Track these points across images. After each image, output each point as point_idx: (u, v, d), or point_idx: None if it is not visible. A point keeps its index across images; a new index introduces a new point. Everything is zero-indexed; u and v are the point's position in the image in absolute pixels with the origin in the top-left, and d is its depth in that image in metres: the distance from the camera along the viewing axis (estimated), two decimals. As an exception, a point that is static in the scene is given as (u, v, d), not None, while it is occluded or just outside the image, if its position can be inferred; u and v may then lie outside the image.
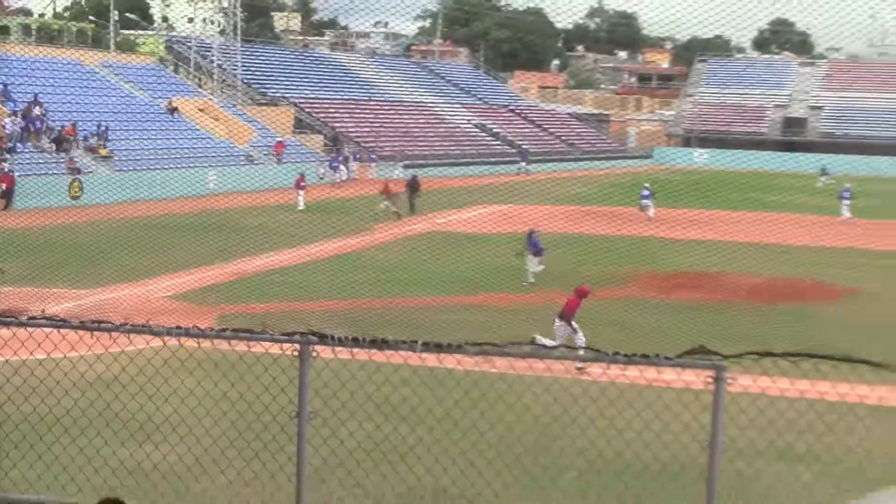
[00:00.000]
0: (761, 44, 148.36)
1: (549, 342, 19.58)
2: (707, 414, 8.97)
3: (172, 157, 57.85)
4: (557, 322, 21.00)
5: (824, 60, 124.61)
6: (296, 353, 7.50)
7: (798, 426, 11.04)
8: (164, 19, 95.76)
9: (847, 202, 49.75)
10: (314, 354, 7.56)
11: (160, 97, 66.70)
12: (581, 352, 11.66)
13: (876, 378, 9.69)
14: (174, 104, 65.60)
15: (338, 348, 7.53)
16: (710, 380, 8.74)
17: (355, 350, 7.62)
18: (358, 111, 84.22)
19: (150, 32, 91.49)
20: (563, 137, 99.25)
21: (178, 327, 7.61)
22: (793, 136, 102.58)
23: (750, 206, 50.29)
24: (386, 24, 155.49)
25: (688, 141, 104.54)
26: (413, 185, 49.64)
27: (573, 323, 20.74)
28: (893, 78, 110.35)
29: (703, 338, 9.95)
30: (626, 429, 11.14)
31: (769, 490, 12.31)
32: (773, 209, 47.62)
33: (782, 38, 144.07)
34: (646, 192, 48.13)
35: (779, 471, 12.62)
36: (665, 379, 9.94)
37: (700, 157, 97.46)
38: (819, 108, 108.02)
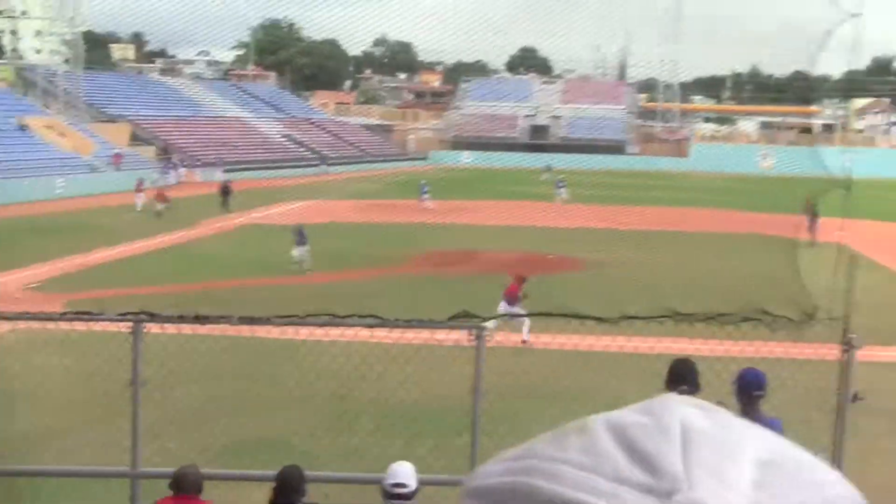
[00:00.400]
0: (512, 66, 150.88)
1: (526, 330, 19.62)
2: (472, 365, 9.08)
3: (24, 167, 55.51)
4: (503, 305, 20.59)
5: (562, 79, 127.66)
6: (129, 331, 7.31)
7: (544, 372, 11.30)
8: (14, 50, 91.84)
9: (562, 191, 52.24)
10: (145, 330, 7.36)
11: (11, 116, 64.14)
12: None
13: (600, 329, 9.99)
14: (25, 122, 63.02)
15: (166, 325, 7.37)
16: (472, 337, 8.84)
17: (181, 326, 7.46)
18: (184, 126, 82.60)
19: (2, 62, 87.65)
20: (356, 144, 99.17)
21: (27, 312, 7.34)
22: (538, 140, 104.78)
23: (505, 195, 51.17)
24: (208, 53, 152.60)
25: (456, 145, 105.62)
26: (225, 189, 48.58)
27: (517, 305, 20.49)
28: (611, 93, 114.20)
29: (468, 304, 10.05)
30: (407, 381, 11.19)
31: (522, 423, 12.55)
32: (523, 198, 48.64)
33: (529, 61, 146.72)
34: (425, 188, 48.62)
35: (530, 408, 12.87)
36: (438, 338, 10.02)
37: (467, 159, 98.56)
38: (559, 117, 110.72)
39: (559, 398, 12.80)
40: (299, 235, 29.45)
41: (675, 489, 0.79)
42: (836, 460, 9.60)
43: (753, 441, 0.86)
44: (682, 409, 0.89)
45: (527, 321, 20.20)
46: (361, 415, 12.52)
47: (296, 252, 29.06)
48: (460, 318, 8.98)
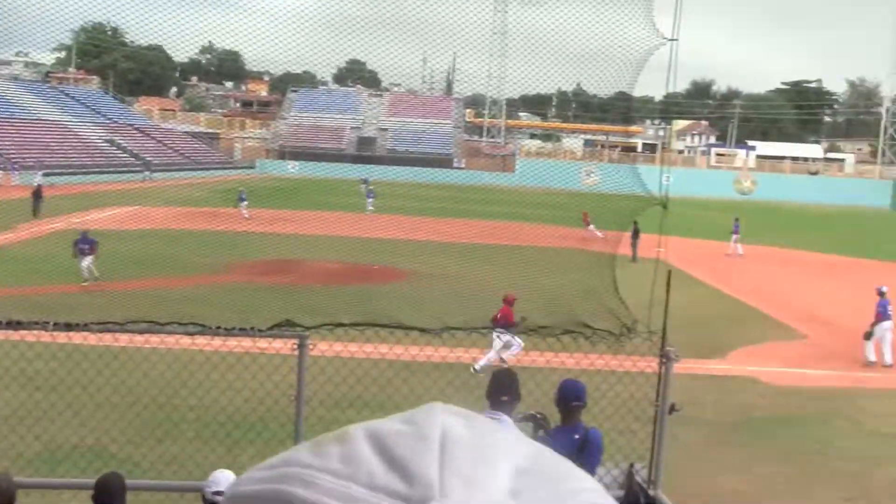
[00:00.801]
0: (340, 78, 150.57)
1: (484, 360, 19.33)
2: (294, 373, 9.01)
3: None
4: (497, 332, 20.35)
5: (389, 93, 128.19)
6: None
7: (366, 381, 11.29)
8: None
9: (370, 201, 52.98)
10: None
11: None
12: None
13: (423, 339, 10.06)
14: None
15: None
16: (295, 346, 8.78)
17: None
18: (1, 128, 79.43)
19: None
20: (181, 151, 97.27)
21: None
22: (365, 152, 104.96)
23: (330, 206, 51.03)
24: (26, 54, 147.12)
25: (283, 154, 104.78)
26: (37, 193, 46.93)
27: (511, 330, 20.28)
28: (438, 107, 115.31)
29: (290, 313, 9.99)
30: (229, 388, 11.03)
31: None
32: (349, 209, 48.61)
33: (356, 74, 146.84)
34: (243, 196, 48.24)
35: (350, 415, 12.86)
36: (260, 347, 9.92)
37: (293, 168, 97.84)
38: (385, 129, 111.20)
39: (382, 407, 12.82)
40: (84, 245, 28.46)
41: (428, 497, 0.80)
42: (654, 469, 9.92)
43: (512, 449, 0.88)
44: (444, 417, 0.91)
45: (517, 347, 20.51)
46: (182, 422, 12.27)
47: (84, 263, 28.21)
48: (283, 327, 8.92)
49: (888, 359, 24.26)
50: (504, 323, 20.90)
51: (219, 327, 8.88)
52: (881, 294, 25.11)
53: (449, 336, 10.15)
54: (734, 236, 48.10)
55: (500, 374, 8.32)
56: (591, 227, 40.47)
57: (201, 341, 9.07)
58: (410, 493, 0.80)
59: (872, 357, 24.31)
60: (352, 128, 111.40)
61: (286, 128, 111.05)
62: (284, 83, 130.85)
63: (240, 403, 11.09)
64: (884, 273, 41.86)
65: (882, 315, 24.51)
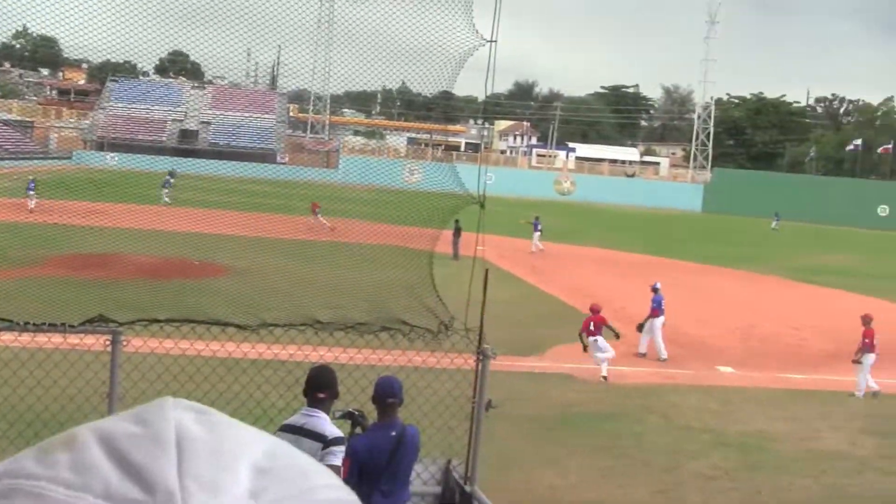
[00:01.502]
0: (162, 69, 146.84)
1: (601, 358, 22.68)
2: (107, 370, 8.78)
3: None
4: (592, 339, 23.05)
5: (212, 85, 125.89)
6: None
7: (181, 377, 11.07)
8: None
9: (165, 192, 51.39)
10: None
11: None
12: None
13: (240, 336, 9.95)
14: None
15: None
16: (108, 342, 8.56)
17: None
18: None
19: None
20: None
21: None
22: (187, 145, 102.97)
23: (150, 200, 49.67)
24: None
25: (101, 146, 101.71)
26: None
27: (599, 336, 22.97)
28: (262, 102, 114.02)
29: (104, 308, 9.72)
30: (37, 386, 10.64)
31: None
32: (167, 203, 47.43)
33: (179, 66, 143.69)
34: (31, 185, 46.51)
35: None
36: (71, 343, 9.61)
37: (112, 160, 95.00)
38: (208, 123, 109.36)
39: (204, 401, 12.57)
40: None
41: None
42: (471, 465, 10.08)
43: (251, 447, 0.86)
44: (177, 414, 0.88)
45: (611, 353, 23.18)
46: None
47: None
48: (95, 323, 8.68)
49: (664, 353, 25.31)
50: (598, 330, 22.86)
51: (27, 323, 8.59)
52: (655, 290, 26.21)
53: (267, 332, 10.08)
54: (535, 234, 49.49)
55: (317, 371, 8.30)
56: (319, 216, 41.18)
57: (8, 337, 8.71)
58: (149, 501, 0.77)
59: (644, 349, 25.54)
60: (173, 120, 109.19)
61: (105, 118, 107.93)
62: (104, 72, 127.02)
63: (48, 402, 10.71)
64: (692, 273, 43.61)
65: (657, 311, 25.63)
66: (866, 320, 23.73)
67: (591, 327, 23.57)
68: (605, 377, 22.80)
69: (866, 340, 23.44)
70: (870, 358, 23.39)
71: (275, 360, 11.22)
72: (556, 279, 39.80)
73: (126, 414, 0.88)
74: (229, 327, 9.90)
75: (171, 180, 52.21)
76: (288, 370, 11.05)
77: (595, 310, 23.93)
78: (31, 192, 45.29)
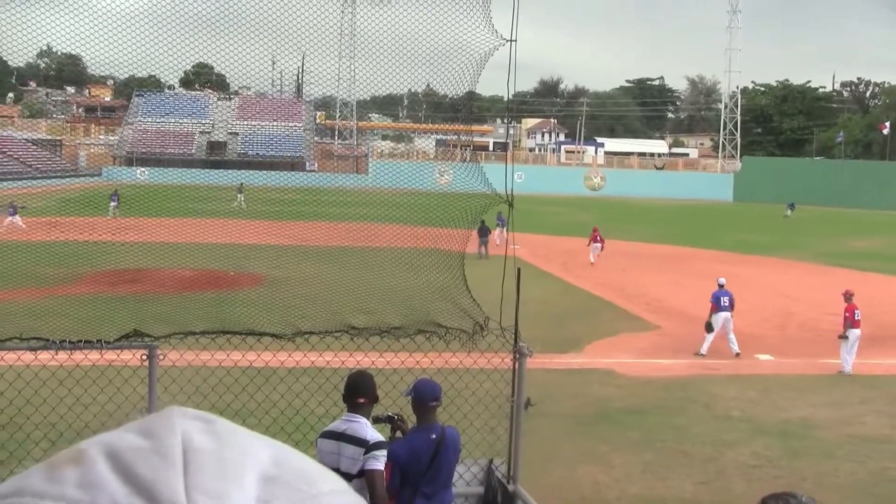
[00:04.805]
0: (187, 82, 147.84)
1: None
2: (145, 385, 8.78)
3: None
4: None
5: (238, 96, 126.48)
6: None
7: (218, 389, 11.10)
8: None
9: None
10: None
11: None
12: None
13: (276, 345, 9.93)
14: None
15: None
16: (144, 357, 8.57)
17: None
18: None
19: None
20: (21, 159, 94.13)
21: None
22: (216, 157, 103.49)
23: (183, 213, 49.88)
24: None
25: (130, 161, 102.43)
26: None
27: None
28: (289, 110, 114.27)
29: (139, 323, 9.74)
30: (77, 404, 10.68)
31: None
32: (202, 216, 47.61)
33: (204, 78, 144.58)
34: (114, 198, 47.15)
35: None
36: (108, 359, 9.64)
37: (142, 175, 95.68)
38: (235, 133, 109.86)
39: (238, 414, 12.63)
40: None
41: None
42: (513, 464, 10.03)
43: (257, 456, 0.85)
44: (183, 424, 0.86)
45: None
46: (27, 442, 11.84)
47: None
48: (131, 338, 8.70)
49: (735, 347, 24.93)
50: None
51: (63, 341, 8.61)
52: (720, 286, 25.75)
53: (303, 340, 10.06)
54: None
55: (355, 376, 8.28)
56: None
57: (45, 356, 8.74)
58: None
59: (705, 350, 24.80)
60: (201, 132, 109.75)
61: (133, 133, 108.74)
62: (129, 88, 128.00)
63: (89, 419, 10.74)
64: (726, 262, 43.34)
65: (715, 306, 25.16)
66: (847, 296, 23.89)
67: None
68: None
69: (847, 315, 23.63)
70: (854, 333, 23.49)
71: (312, 367, 11.21)
72: (590, 275, 39.67)
73: (133, 425, 0.87)
74: (265, 337, 9.88)
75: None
76: (325, 377, 11.03)
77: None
78: (114, 205, 45.87)
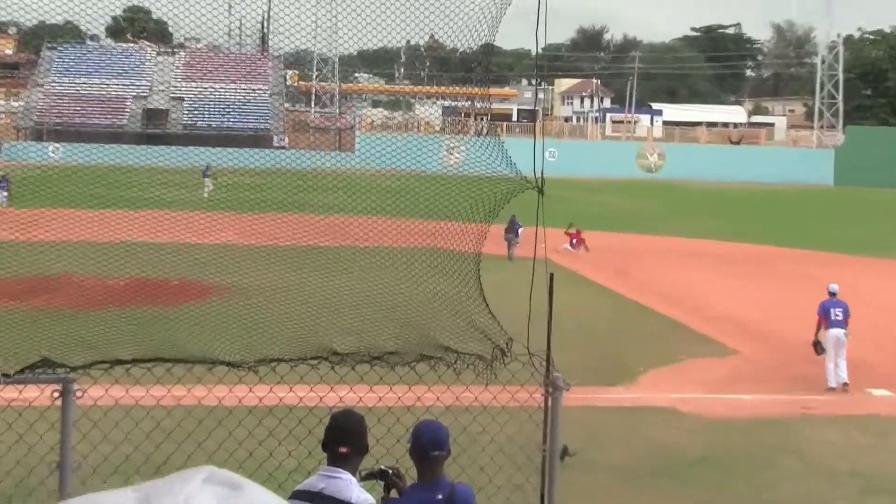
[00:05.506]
0: (117, 31, 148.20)
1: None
2: (56, 432, 8.69)
3: None
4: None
5: (184, 50, 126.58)
6: None
7: (155, 436, 11.02)
8: None
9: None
10: None
11: None
12: None
13: (232, 377, 9.84)
14: None
15: None
16: (56, 394, 8.48)
17: None
18: None
19: None
20: None
21: None
22: (155, 129, 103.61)
23: (111, 202, 49.84)
24: None
25: (40, 134, 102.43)
26: None
27: None
28: (251, 69, 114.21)
29: (52, 349, 9.65)
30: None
31: None
32: (140, 206, 47.48)
33: (139, 26, 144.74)
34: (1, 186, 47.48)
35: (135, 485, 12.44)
36: (7, 397, 9.55)
37: (55, 153, 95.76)
38: (180, 98, 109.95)
39: (179, 471, 12.45)
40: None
41: None
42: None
43: None
44: (197, 494, 0.80)
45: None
46: None
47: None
48: (38, 369, 8.61)
49: (831, 380, 24.59)
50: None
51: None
52: (831, 294, 25.42)
53: (268, 371, 9.97)
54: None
55: (338, 418, 8.17)
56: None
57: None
58: None
59: (833, 383, 24.48)
60: (135, 97, 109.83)
61: (43, 98, 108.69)
62: (38, 38, 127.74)
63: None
64: (825, 265, 43.16)
65: (824, 319, 24.88)
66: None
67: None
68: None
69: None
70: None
71: (280, 406, 11.14)
72: (645, 281, 39.59)
73: (142, 487, 0.80)
74: (218, 366, 9.79)
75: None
76: (298, 419, 10.95)
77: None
78: (3, 195, 46.35)
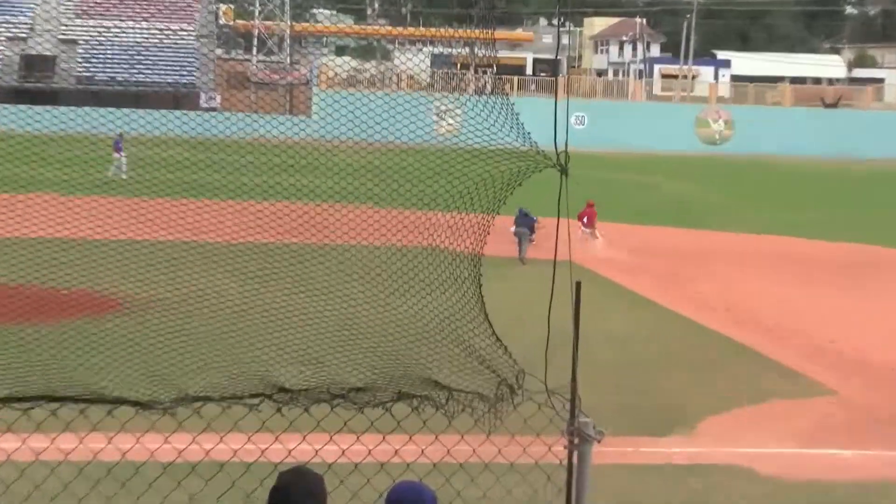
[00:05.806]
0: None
1: None
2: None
3: None
4: None
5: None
6: None
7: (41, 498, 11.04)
8: None
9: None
10: None
11: None
12: None
13: (142, 422, 9.85)
14: None
15: None
16: None
17: None
18: None
19: None
20: None
21: None
22: (38, 82, 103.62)
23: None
24: None
25: None
26: None
27: None
28: (170, 3, 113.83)
29: None
30: None
31: None
32: (25, 189, 47.47)
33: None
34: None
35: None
36: None
37: None
38: (73, 41, 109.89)
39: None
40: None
41: None
42: None
43: None
44: None
45: None
46: None
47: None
48: None
49: None
50: None
51: None
52: None
53: (191, 413, 9.99)
54: None
55: (289, 478, 8.18)
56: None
57: None
58: None
59: None
60: (10, 40, 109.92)
61: None
62: None
63: None
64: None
65: None
66: None
67: None
68: None
69: None
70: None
71: (207, 461, 11.16)
72: (704, 293, 39.66)
73: None
74: (123, 407, 9.81)
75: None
76: (231, 479, 10.98)
77: None
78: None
